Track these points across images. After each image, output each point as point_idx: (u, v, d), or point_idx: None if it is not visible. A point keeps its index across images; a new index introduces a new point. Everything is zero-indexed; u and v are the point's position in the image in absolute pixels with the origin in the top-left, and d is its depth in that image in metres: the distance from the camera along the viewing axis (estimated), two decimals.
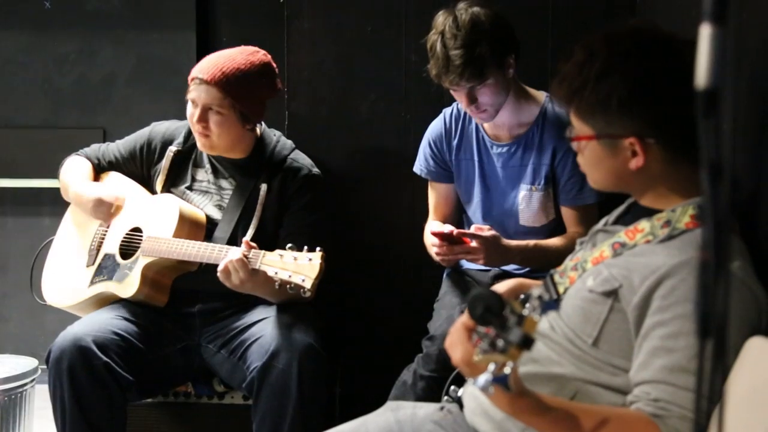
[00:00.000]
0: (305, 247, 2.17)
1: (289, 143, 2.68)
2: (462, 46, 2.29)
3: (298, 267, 2.15)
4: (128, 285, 2.50)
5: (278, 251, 2.20)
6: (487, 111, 2.43)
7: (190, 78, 2.49)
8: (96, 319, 2.42)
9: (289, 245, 2.19)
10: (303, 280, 2.14)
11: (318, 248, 2.16)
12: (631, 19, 2.89)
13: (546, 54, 2.93)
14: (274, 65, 2.56)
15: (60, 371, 2.30)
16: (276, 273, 2.18)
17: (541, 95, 2.53)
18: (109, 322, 2.41)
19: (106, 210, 2.60)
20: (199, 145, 2.55)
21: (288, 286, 2.16)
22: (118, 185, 2.69)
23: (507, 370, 1.23)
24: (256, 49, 2.55)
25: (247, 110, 2.48)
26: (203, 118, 2.45)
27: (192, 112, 2.48)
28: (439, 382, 2.25)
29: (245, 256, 2.24)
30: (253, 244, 2.26)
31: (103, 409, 2.33)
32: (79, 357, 2.29)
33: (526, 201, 2.54)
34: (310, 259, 2.14)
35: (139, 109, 3.27)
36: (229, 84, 2.43)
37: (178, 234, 2.47)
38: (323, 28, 3.10)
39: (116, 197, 2.61)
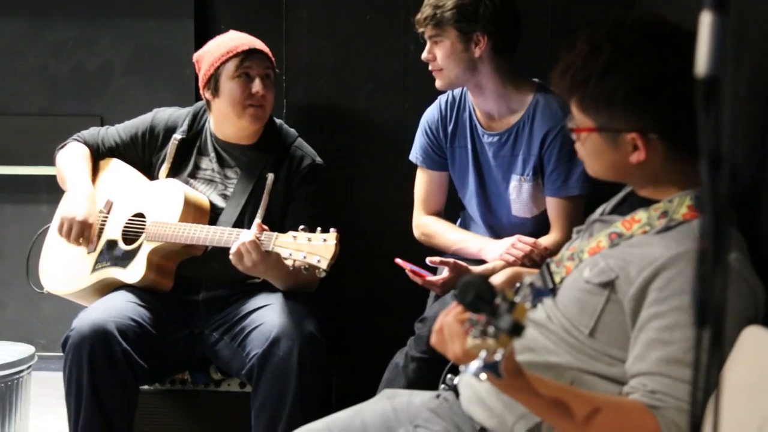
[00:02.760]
0: (318, 228, 2.17)
1: (293, 131, 2.70)
2: None
3: (312, 248, 2.15)
4: (133, 270, 2.49)
5: (291, 233, 2.20)
6: (442, 73, 2.47)
7: (230, 55, 2.51)
8: (112, 304, 2.41)
9: (302, 227, 2.19)
10: (318, 261, 2.14)
11: (332, 229, 2.16)
12: (631, 8, 2.88)
13: (546, 44, 2.92)
14: None
15: (80, 356, 2.29)
16: (290, 254, 2.18)
17: (533, 85, 2.52)
18: (125, 306, 2.40)
19: (74, 234, 2.54)
20: (251, 120, 2.54)
21: (303, 267, 2.16)
22: (117, 175, 2.68)
23: (497, 356, 1.23)
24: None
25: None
26: (264, 87, 2.52)
27: (247, 85, 2.51)
28: (430, 363, 2.26)
29: (257, 237, 2.24)
30: (265, 227, 2.27)
31: (118, 396, 2.34)
32: (99, 342, 2.29)
33: (517, 191, 2.54)
34: (325, 240, 2.15)
35: (136, 98, 3.26)
36: (268, 53, 2.58)
37: (183, 218, 2.47)
38: (322, 17, 3.09)
39: (90, 235, 2.56)
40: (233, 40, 2.56)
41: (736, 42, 0.86)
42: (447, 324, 1.38)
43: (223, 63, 2.52)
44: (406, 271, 2.40)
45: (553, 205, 2.52)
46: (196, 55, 2.63)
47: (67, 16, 3.32)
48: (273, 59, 2.61)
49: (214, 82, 2.53)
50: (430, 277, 2.41)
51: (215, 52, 2.55)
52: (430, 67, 2.49)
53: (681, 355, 1.41)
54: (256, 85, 2.51)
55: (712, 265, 0.90)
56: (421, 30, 2.47)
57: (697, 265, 0.91)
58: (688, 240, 1.47)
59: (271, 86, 2.56)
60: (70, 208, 2.56)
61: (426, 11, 2.43)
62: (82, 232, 2.54)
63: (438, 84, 2.50)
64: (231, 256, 2.28)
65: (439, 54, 2.45)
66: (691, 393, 0.96)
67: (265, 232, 2.25)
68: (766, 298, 1.50)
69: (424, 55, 2.48)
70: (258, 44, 2.57)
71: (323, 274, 2.17)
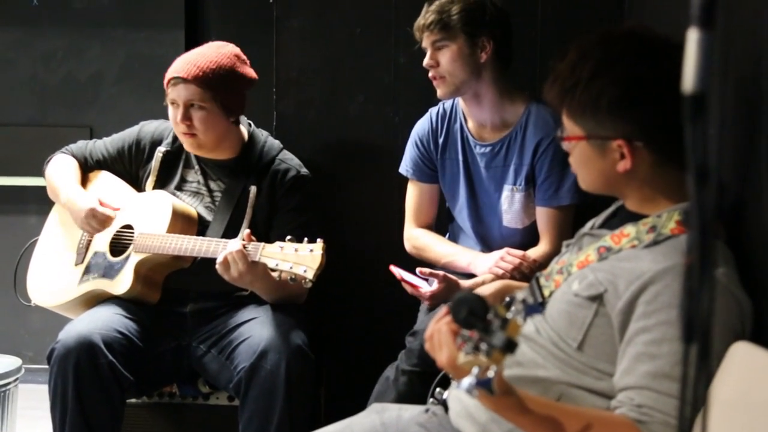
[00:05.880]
0: (305, 239, 2.17)
1: (277, 143, 2.68)
2: (443, 3, 2.42)
3: (299, 258, 2.15)
4: (120, 282, 2.48)
5: (278, 243, 2.20)
6: (446, 80, 2.45)
7: (166, 82, 2.51)
8: (98, 316, 2.39)
9: (289, 237, 2.19)
10: (305, 271, 2.14)
11: (319, 239, 2.16)
12: (620, 21, 2.89)
13: (535, 56, 2.93)
14: (244, 56, 2.60)
15: (65, 369, 2.28)
16: (277, 264, 2.18)
17: (527, 97, 2.54)
18: (111, 318, 2.39)
19: (97, 223, 2.54)
20: (186, 146, 2.56)
21: (290, 277, 2.16)
22: (106, 187, 2.67)
23: (490, 373, 1.23)
24: (223, 42, 2.60)
25: (228, 101, 2.51)
26: (186, 116, 2.47)
27: (174, 113, 2.49)
28: (421, 376, 2.25)
29: (244, 247, 2.23)
30: (253, 237, 2.27)
31: (103, 409, 2.32)
32: (85, 355, 2.27)
33: (509, 202, 2.55)
34: (312, 250, 2.15)
35: (126, 108, 3.26)
36: (206, 77, 2.46)
37: (171, 230, 2.46)
38: (312, 28, 3.09)
39: (106, 215, 2.55)
40: (175, 63, 2.52)
41: (722, 58, 0.86)
42: (437, 331, 1.39)
43: (165, 88, 2.52)
44: (398, 278, 2.40)
45: (543, 215, 2.52)
46: None
47: (57, 26, 3.31)
48: (217, 84, 2.47)
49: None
50: (422, 289, 2.41)
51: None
52: (431, 74, 2.47)
53: (668, 370, 1.41)
54: (178, 115, 2.47)
55: (699, 280, 0.90)
56: (423, 36, 2.45)
57: (684, 280, 0.91)
58: (676, 254, 1.47)
59: (203, 116, 2.46)
60: (76, 209, 2.55)
61: (430, 17, 2.41)
62: (103, 216, 2.52)
63: (440, 93, 2.48)
64: (217, 266, 2.28)
65: (443, 60, 2.43)
66: (678, 408, 0.96)
67: (251, 243, 2.25)
68: (753, 312, 1.50)
69: (426, 62, 2.45)
70: (187, 69, 2.46)
71: (310, 285, 2.17)
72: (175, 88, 2.48)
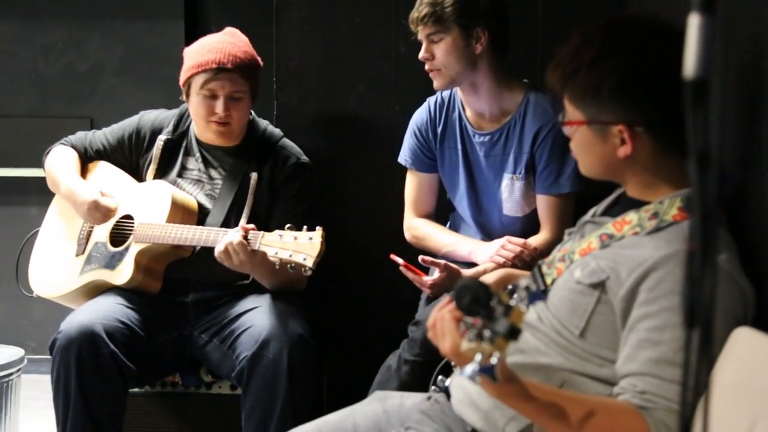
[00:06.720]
0: (305, 227, 2.18)
1: (278, 131, 2.69)
2: None
3: (298, 246, 2.16)
4: (121, 272, 2.49)
5: (277, 231, 2.21)
6: (441, 73, 2.45)
7: (198, 70, 2.47)
8: (100, 306, 2.40)
9: (288, 225, 2.20)
10: (304, 259, 2.15)
11: (318, 227, 2.16)
12: (621, 9, 2.89)
13: (535, 45, 2.93)
14: None
15: (67, 359, 2.28)
16: (276, 253, 2.19)
17: (525, 85, 2.53)
18: (113, 308, 2.39)
19: (100, 215, 2.55)
20: (215, 136, 2.54)
21: (289, 265, 2.17)
22: (105, 177, 2.67)
23: (493, 360, 1.23)
24: (232, 29, 2.61)
25: (256, 88, 2.57)
26: (227, 107, 2.47)
27: (210, 104, 2.48)
28: (423, 366, 2.26)
29: (244, 237, 2.23)
30: (251, 226, 2.27)
31: (106, 398, 2.33)
32: (87, 345, 2.28)
33: (509, 190, 2.55)
34: (311, 238, 2.16)
35: (126, 99, 3.26)
36: (246, 67, 2.51)
37: (171, 219, 2.47)
38: (312, 18, 3.08)
39: (109, 206, 2.55)
40: (210, 52, 2.49)
41: (724, 43, 0.86)
42: (440, 319, 1.39)
43: (194, 75, 2.50)
44: (400, 266, 2.41)
45: (543, 203, 2.53)
46: (186, 49, 2.61)
47: (57, 17, 3.31)
48: (253, 74, 2.53)
49: (187, 88, 2.53)
50: (423, 277, 2.42)
51: (192, 58, 2.52)
52: (427, 67, 2.47)
53: (671, 356, 1.41)
54: (219, 106, 2.48)
55: (701, 266, 0.90)
56: (417, 29, 2.45)
57: (686, 266, 0.91)
58: (678, 241, 1.47)
59: (240, 105, 2.50)
60: (78, 201, 2.55)
61: (424, 9, 2.41)
62: (105, 208, 2.53)
63: (436, 84, 2.49)
64: (217, 255, 2.29)
65: (438, 52, 2.43)
66: (681, 393, 0.96)
67: (251, 232, 2.25)
68: (755, 298, 1.51)
69: (422, 55, 2.45)
70: (231, 60, 2.47)
71: (309, 272, 2.18)
72: (216, 80, 2.46)
